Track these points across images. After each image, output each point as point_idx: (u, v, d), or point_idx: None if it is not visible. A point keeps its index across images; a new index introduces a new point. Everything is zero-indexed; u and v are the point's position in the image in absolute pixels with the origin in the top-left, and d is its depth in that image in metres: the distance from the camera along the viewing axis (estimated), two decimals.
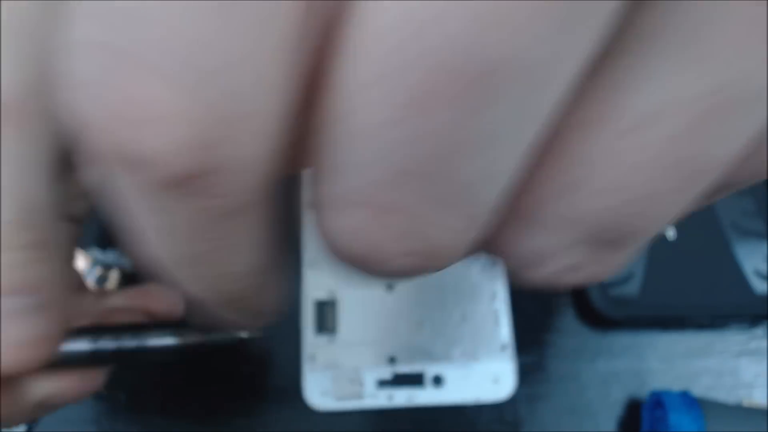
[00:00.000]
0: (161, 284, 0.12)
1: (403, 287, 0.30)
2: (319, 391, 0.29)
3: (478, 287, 0.30)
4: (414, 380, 0.29)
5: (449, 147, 0.08)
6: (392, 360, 0.29)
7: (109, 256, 0.31)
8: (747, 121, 0.09)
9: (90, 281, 0.31)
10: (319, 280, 0.30)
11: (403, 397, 0.28)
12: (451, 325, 0.29)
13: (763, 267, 0.30)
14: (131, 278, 0.32)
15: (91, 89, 0.08)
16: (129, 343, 0.18)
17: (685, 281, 0.30)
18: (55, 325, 0.16)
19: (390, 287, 0.30)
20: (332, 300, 0.30)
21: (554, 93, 0.08)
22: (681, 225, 0.31)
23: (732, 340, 0.30)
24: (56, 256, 0.17)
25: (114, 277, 0.31)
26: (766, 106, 0.09)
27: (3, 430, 0.29)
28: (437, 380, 0.29)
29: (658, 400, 0.27)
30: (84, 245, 0.32)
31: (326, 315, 0.30)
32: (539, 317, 0.31)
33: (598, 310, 0.29)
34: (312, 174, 0.10)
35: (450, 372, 0.29)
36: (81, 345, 0.18)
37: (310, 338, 0.29)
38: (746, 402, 0.29)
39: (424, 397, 0.28)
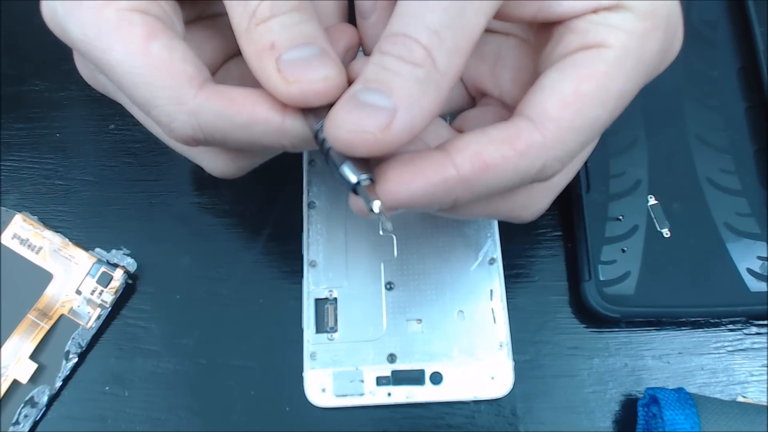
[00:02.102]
0: None
1: (403, 286, 0.30)
2: (320, 389, 0.29)
3: (476, 286, 0.30)
4: (413, 378, 0.29)
5: None
6: (391, 358, 0.29)
7: (114, 256, 0.32)
8: None
9: (93, 281, 0.31)
10: (319, 279, 0.31)
11: (403, 395, 0.29)
12: (450, 323, 0.30)
13: (756, 266, 0.30)
14: (135, 277, 0.32)
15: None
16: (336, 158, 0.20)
17: (680, 280, 0.30)
18: (339, 70, 0.20)
19: (390, 286, 0.30)
20: (332, 299, 0.30)
21: None
22: (676, 224, 0.31)
23: (726, 338, 0.30)
24: (314, 17, 0.21)
25: (118, 276, 0.31)
26: None
27: (2, 429, 0.29)
28: (436, 378, 0.29)
29: (653, 398, 0.28)
30: (88, 245, 0.32)
31: (326, 313, 0.30)
32: (536, 316, 0.31)
33: (595, 309, 0.29)
34: None
35: (448, 370, 0.29)
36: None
37: (310, 336, 0.30)
38: (741, 399, 0.29)
39: (423, 394, 0.29)
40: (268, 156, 0.26)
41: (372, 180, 0.20)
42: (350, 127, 0.19)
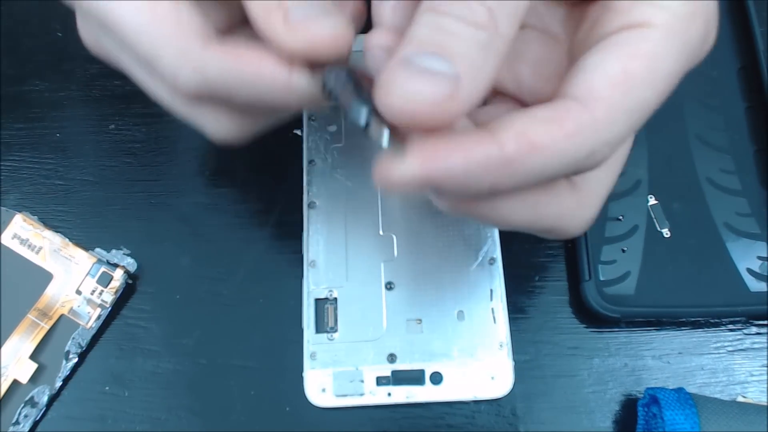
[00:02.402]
0: None
1: (403, 286, 0.30)
2: (320, 389, 0.29)
3: (476, 286, 0.30)
4: (413, 378, 0.29)
5: None
6: (391, 358, 0.29)
7: (114, 256, 0.32)
8: None
9: (93, 281, 0.31)
10: (319, 279, 0.31)
11: (403, 395, 0.29)
12: (450, 323, 0.30)
13: (756, 266, 0.30)
14: (135, 277, 0.32)
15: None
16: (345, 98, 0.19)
17: (680, 280, 0.30)
18: (347, 24, 0.20)
19: (390, 286, 0.30)
20: (332, 299, 0.30)
21: None
22: (676, 224, 0.31)
23: (726, 338, 0.30)
24: None
25: (118, 276, 0.31)
26: None
27: (2, 429, 0.29)
28: (436, 378, 0.29)
29: (653, 398, 0.28)
30: (88, 245, 0.32)
31: (326, 313, 0.30)
32: (536, 315, 0.31)
33: (595, 309, 0.29)
34: None
35: (448, 369, 0.29)
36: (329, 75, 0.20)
37: (310, 336, 0.30)
38: (741, 399, 0.29)
39: (423, 394, 0.29)
40: (272, 118, 0.25)
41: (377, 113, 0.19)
42: (410, 95, 0.17)
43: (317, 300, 0.30)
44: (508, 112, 0.22)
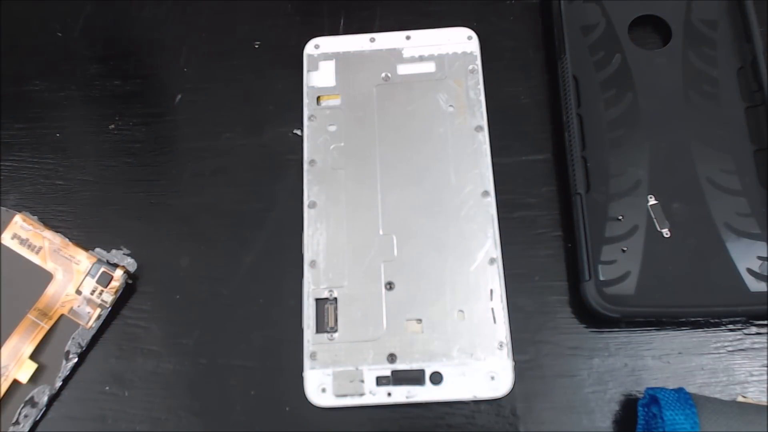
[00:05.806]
0: None
1: (403, 286, 0.30)
2: (320, 388, 0.29)
3: (476, 286, 0.30)
4: (413, 378, 0.29)
5: None
6: (391, 358, 0.29)
7: (114, 256, 0.32)
8: None
9: (93, 281, 0.31)
10: (319, 279, 0.31)
11: (402, 394, 0.29)
12: (450, 323, 0.30)
13: (756, 266, 0.30)
14: (135, 277, 0.32)
15: None
16: None
17: (680, 280, 0.30)
18: None
19: (390, 286, 0.30)
20: (332, 299, 0.30)
21: None
22: (676, 224, 0.31)
23: (726, 338, 0.30)
24: None
25: (118, 276, 0.31)
26: None
27: (2, 429, 0.29)
28: (436, 378, 0.29)
29: (653, 398, 0.28)
30: (88, 245, 0.32)
31: (326, 313, 0.30)
32: (536, 316, 0.31)
33: (595, 309, 0.29)
34: None
35: (448, 369, 0.29)
36: None
37: (310, 336, 0.30)
38: (741, 399, 0.29)
39: (423, 394, 0.29)
40: None
41: None
42: None
43: (317, 300, 0.30)
44: None
